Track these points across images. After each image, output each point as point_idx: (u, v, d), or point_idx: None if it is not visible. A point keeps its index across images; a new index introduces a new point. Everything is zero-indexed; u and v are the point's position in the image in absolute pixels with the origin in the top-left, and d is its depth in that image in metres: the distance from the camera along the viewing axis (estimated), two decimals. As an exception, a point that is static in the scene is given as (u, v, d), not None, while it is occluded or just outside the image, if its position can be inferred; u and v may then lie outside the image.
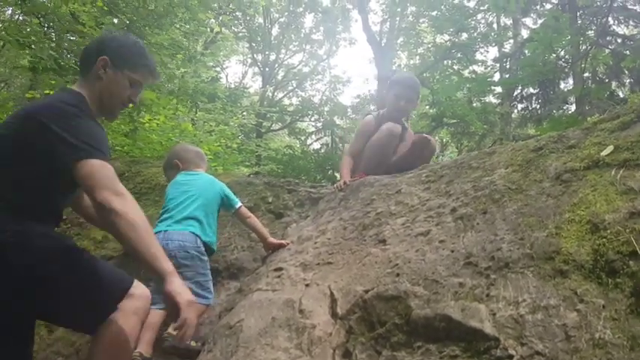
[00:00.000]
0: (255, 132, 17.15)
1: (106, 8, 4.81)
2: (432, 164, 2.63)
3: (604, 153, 1.72)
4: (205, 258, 2.39)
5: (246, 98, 20.85)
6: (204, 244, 2.40)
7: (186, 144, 3.16)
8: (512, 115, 13.76)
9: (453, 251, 1.81)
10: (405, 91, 3.49)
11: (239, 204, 2.60)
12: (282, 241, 2.56)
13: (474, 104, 14.84)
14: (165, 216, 2.43)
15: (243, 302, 2.27)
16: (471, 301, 1.57)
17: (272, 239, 2.57)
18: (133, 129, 4.92)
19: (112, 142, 5.03)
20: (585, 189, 1.64)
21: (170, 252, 2.25)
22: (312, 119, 20.89)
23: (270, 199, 2.99)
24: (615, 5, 10.38)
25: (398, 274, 1.85)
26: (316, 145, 20.56)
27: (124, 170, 3.46)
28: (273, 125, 20.57)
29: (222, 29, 18.47)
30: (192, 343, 2.19)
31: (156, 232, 2.34)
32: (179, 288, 1.62)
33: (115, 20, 4.97)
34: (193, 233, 2.36)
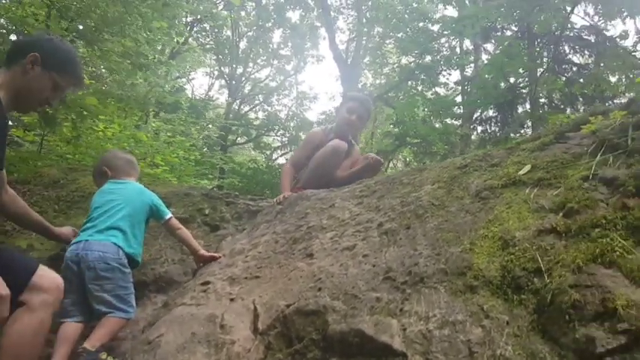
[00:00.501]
0: (219, 145, 16.99)
1: (54, 12, 4.69)
2: (367, 180, 2.63)
3: (521, 172, 1.74)
4: (127, 270, 2.27)
5: (211, 110, 20.69)
6: (128, 255, 2.29)
7: (118, 151, 3.06)
8: (472, 137, 14.09)
9: (374, 266, 1.80)
10: (358, 107, 3.51)
11: (169, 215, 2.50)
12: (214, 254, 2.49)
13: (436, 125, 15.15)
14: (87, 225, 2.33)
15: (165, 317, 2.18)
16: (385, 315, 1.55)
17: (203, 252, 2.49)
18: (76, 136, 4.77)
19: (55, 150, 4.87)
20: (501, 206, 1.66)
21: (89, 263, 2.15)
22: (278, 134, 20.87)
23: (206, 211, 2.92)
24: (571, 35, 10.84)
25: (320, 289, 1.81)
26: (281, 160, 20.53)
27: (60, 177, 3.33)
28: (239, 139, 20.44)
29: (189, 40, 18.37)
30: (109, 359, 2.09)
31: (76, 242, 2.24)
32: None
33: (65, 25, 4.84)
34: (115, 244, 2.24)
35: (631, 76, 10.99)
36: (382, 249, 1.85)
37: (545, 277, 1.31)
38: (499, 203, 1.68)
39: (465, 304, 1.42)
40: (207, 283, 2.30)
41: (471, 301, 1.42)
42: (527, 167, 1.74)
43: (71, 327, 2.12)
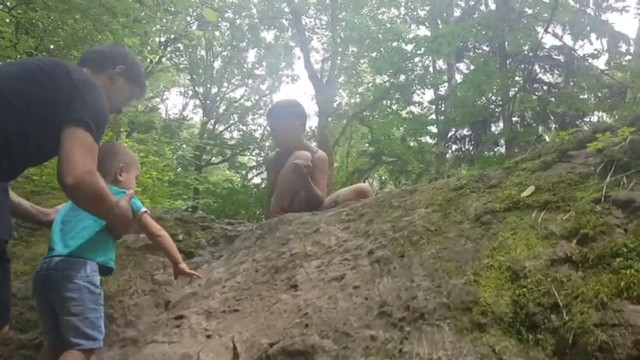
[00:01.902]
0: (193, 165, 16.69)
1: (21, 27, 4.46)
2: (353, 202, 2.48)
3: (525, 194, 1.61)
4: (98, 290, 1.97)
5: (185, 130, 20.37)
6: (99, 265, 2.03)
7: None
8: (447, 155, 14.19)
9: (367, 299, 1.63)
10: (271, 122, 3.47)
11: (143, 209, 2.16)
12: (194, 272, 2.24)
13: (411, 144, 15.23)
14: (52, 240, 2.06)
15: (135, 356, 1.98)
16: (382, 357, 1.38)
17: (184, 265, 2.22)
18: (45, 158, 4.50)
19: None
20: (505, 232, 1.52)
21: (52, 284, 1.91)
22: (253, 153, 20.65)
23: (180, 237, 2.71)
24: (541, 54, 11.06)
25: (307, 325, 1.64)
26: (257, 180, 20.29)
27: (20, 202, 3.08)
28: (213, 158, 20.16)
29: (163, 60, 18.11)
30: None
31: (40, 265, 2.00)
32: None
33: (33, 43, 4.61)
34: (82, 257, 1.99)
35: (599, 94, 11.27)
36: (374, 280, 1.69)
37: (564, 313, 1.17)
38: (503, 229, 1.55)
39: (473, 345, 1.26)
40: (181, 317, 2.11)
41: (480, 341, 1.26)
42: (531, 189, 1.62)
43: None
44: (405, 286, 1.58)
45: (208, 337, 1.88)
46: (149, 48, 11.05)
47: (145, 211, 2.17)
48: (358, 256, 1.88)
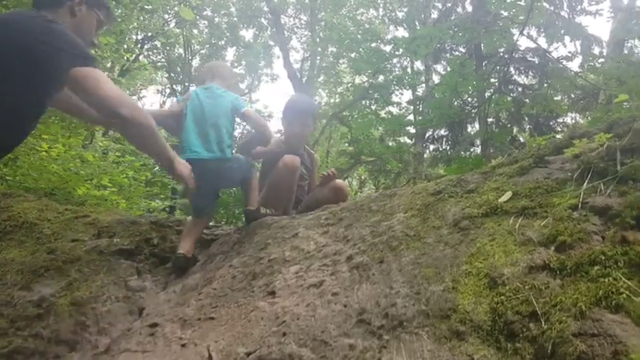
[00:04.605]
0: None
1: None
2: (332, 206, 2.45)
3: (502, 199, 1.61)
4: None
5: (163, 129, 20.08)
6: None
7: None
8: (425, 155, 14.30)
9: (345, 306, 1.61)
10: (299, 117, 3.39)
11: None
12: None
13: (390, 144, 15.31)
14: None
15: (107, 366, 1.93)
16: (361, 367, 1.36)
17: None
18: (14, 158, 4.36)
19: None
20: (483, 238, 1.52)
21: None
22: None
23: (155, 241, 2.65)
24: (516, 56, 11.22)
25: (285, 334, 1.61)
26: (235, 179, 20.11)
27: (-11, 204, 2.98)
28: (190, 157, 19.91)
29: (140, 57, 17.84)
30: None
31: None
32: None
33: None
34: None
35: (573, 96, 11.49)
36: (353, 286, 1.67)
37: (543, 322, 1.16)
38: (481, 234, 1.54)
39: (451, 354, 1.25)
40: (155, 325, 2.06)
41: (458, 349, 1.25)
42: (509, 194, 1.62)
43: None
44: (384, 292, 1.56)
45: (183, 346, 1.83)
46: (125, 46, 10.87)
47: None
48: (337, 261, 1.86)
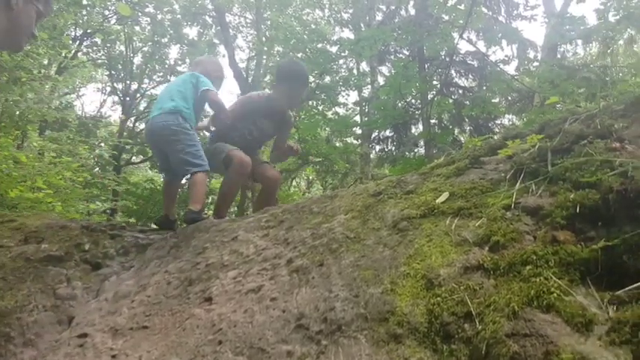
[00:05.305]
0: (112, 165, 15.86)
1: None
2: (273, 207, 2.40)
3: (439, 200, 1.62)
4: (191, 131, 3.10)
5: (103, 128, 19.30)
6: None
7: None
8: (371, 156, 14.50)
9: (284, 311, 1.56)
10: (303, 90, 3.87)
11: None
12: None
13: (337, 144, 15.42)
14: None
15: (31, 382, 1.79)
16: (299, 375, 1.33)
17: None
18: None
19: None
20: (421, 239, 1.52)
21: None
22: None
23: (86, 247, 2.50)
24: (457, 59, 11.57)
25: (220, 342, 1.55)
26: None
27: None
28: (134, 158, 19.25)
29: (79, 54, 17.04)
30: None
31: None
32: None
33: None
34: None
35: (509, 98, 11.99)
36: (293, 290, 1.63)
37: (477, 323, 1.16)
38: (419, 235, 1.54)
39: (389, 357, 1.23)
40: (84, 335, 1.94)
41: (395, 352, 1.23)
42: (445, 195, 1.63)
43: None
44: (324, 296, 1.53)
45: (114, 357, 1.73)
46: (60, 43, 10.36)
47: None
48: (277, 265, 1.82)
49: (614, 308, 1.06)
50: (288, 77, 3.67)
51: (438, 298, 1.27)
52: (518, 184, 1.52)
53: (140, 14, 16.06)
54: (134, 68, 19.02)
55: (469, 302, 1.21)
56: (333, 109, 15.83)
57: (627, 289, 1.07)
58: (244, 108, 3.67)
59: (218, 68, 3.85)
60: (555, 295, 1.08)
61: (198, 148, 3.11)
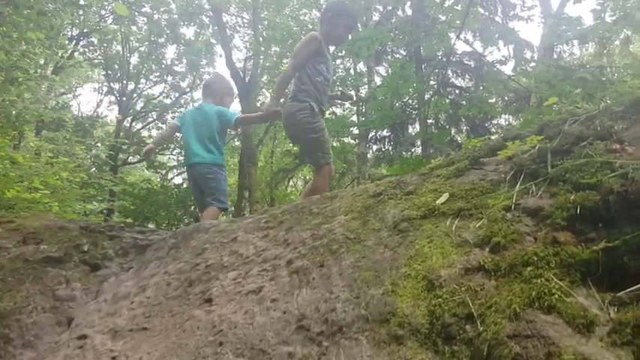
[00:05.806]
0: (108, 165, 15.83)
1: None
2: (273, 208, 2.40)
3: (439, 201, 1.62)
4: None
5: (100, 128, 19.25)
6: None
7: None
8: (368, 156, 14.51)
9: (285, 312, 1.57)
10: (354, 26, 4.10)
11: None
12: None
13: (334, 144, 15.42)
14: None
15: (30, 384, 1.79)
16: (300, 376, 1.33)
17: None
18: None
19: None
20: (422, 240, 1.52)
21: None
22: (174, 152, 19.95)
23: (85, 247, 2.50)
24: (453, 59, 11.59)
25: (221, 343, 1.55)
26: (177, 180, 19.60)
27: None
28: (130, 158, 19.23)
29: (75, 54, 16.99)
30: None
31: None
32: None
33: None
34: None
35: (506, 99, 12.00)
36: (293, 291, 1.63)
37: (479, 324, 1.17)
38: (419, 236, 1.54)
39: (390, 358, 1.24)
40: (83, 337, 1.94)
41: (397, 354, 1.24)
42: (445, 196, 1.63)
43: None
44: (324, 297, 1.53)
45: (113, 358, 1.73)
46: (57, 43, 10.33)
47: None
48: (277, 266, 1.82)
49: (615, 309, 1.06)
50: (334, 13, 3.83)
51: (439, 299, 1.28)
52: (518, 185, 1.52)
53: (137, 14, 16.02)
54: (131, 68, 19.00)
55: (470, 303, 1.21)
56: (331, 109, 15.85)
57: (628, 290, 1.07)
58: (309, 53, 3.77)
59: (226, 85, 4.41)
60: (556, 296, 1.09)
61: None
